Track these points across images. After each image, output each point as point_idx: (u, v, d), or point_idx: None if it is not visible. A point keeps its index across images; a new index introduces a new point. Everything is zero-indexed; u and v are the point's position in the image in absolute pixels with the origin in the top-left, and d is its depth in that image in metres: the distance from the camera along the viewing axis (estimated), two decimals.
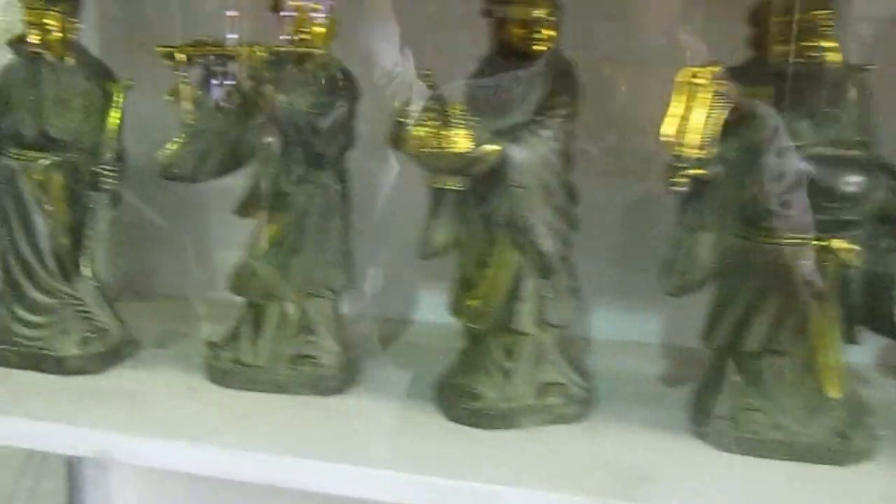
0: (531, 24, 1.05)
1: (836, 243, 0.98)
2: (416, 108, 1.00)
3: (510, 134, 1.04)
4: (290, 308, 1.16)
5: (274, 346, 1.16)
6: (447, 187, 1.04)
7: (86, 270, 1.15)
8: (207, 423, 1.06)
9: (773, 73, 0.99)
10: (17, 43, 1.17)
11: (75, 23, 1.14)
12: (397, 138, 1.02)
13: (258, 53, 1.07)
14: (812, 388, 1.03)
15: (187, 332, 1.34)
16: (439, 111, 1.00)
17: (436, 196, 1.08)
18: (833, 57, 0.98)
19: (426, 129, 0.99)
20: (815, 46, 0.97)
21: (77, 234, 1.19)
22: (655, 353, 1.37)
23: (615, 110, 1.28)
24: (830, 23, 0.98)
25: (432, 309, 1.45)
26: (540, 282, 1.08)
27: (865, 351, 1.20)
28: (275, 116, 1.09)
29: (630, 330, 1.38)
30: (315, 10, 1.09)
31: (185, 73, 1.09)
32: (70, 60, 1.15)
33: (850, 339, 1.03)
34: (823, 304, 1.01)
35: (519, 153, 1.03)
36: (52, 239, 1.18)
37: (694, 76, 0.99)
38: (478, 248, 1.09)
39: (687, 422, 1.11)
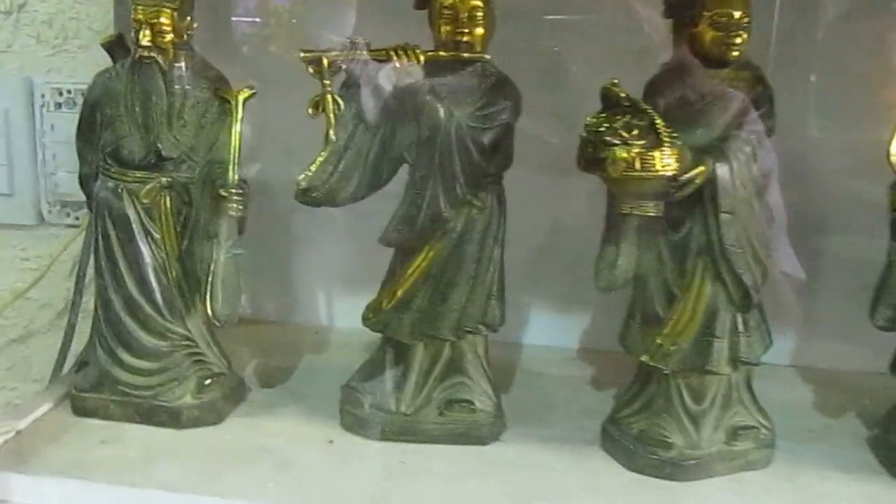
0: (731, 28, 0.92)
1: None
2: (619, 124, 0.87)
3: (716, 151, 0.92)
4: (442, 348, 1.02)
5: (422, 392, 1.03)
6: (647, 214, 0.91)
7: (205, 308, 0.99)
8: (373, 490, 0.92)
9: None
10: (116, 45, 1.01)
11: (192, 22, 0.98)
12: (593, 159, 0.89)
13: (419, 58, 0.92)
14: None
15: (285, 366, 1.21)
16: (646, 129, 0.87)
17: (620, 221, 0.96)
18: None
19: (634, 150, 0.86)
20: None
21: (186, 264, 1.03)
22: (785, 376, 1.28)
23: None
24: None
25: (539, 332, 1.35)
26: (734, 316, 0.96)
27: None
28: (436, 132, 0.94)
29: None
30: (477, 9, 0.95)
31: (330, 83, 0.94)
32: (183, 67, 0.98)
33: None
34: None
35: (728, 174, 0.91)
36: (160, 272, 1.02)
37: None
38: (665, 278, 0.97)
39: (879, 462, 1.01)
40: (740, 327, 0.97)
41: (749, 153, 0.93)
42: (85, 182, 1.04)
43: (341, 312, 1.40)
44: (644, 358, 0.99)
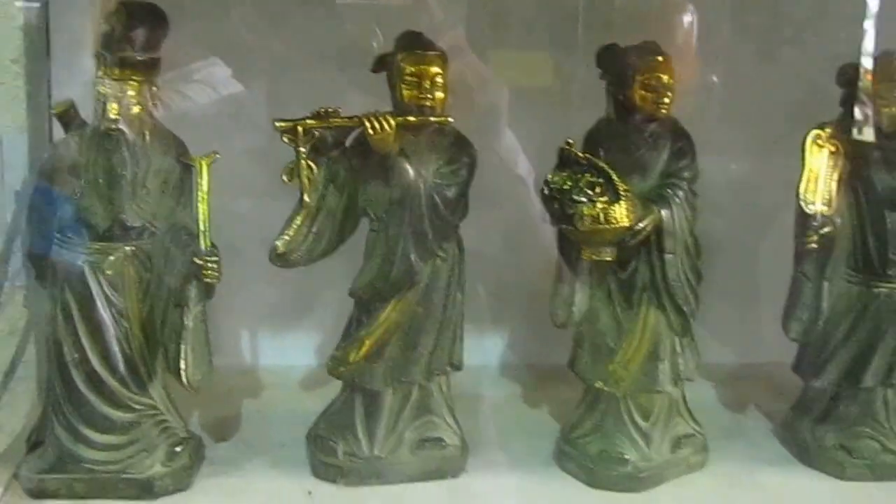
0: (660, 90, 1.05)
1: None
2: (582, 182, 0.97)
3: (660, 200, 1.04)
4: (411, 390, 1.08)
5: (393, 433, 1.08)
6: (605, 259, 1.01)
7: (177, 375, 0.99)
8: None
9: (881, 132, 1.07)
10: (70, 113, 0.98)
11: (157, 91, 0.97)
12: (561, 215, 0.98)
13: (391, 123, 0.97)
14: None
15: (228, 415, 1.21)
16: (604, 184, 0.98)
17: (577, 264, 1.06)
18: None
19: (598, 206, 0.96)
20: None
21: (148, 332, 1.02)
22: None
23: None
24: None
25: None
26: (673, 340, 1.09)
27: None
28: (406, 190, 1.00)
29: None
30: (438, 75, 1.01)
31: (304, 150, 0.97)
32: (147, 135, 0.97)
33: None
34: None
35: (670, 219, 1.03)
36: (124, 342, 1.00)
37: (817, 138, 1.05)
38: (614, 312, 1.08)
39: (792, 454, 1.18)
40: (678, 349, 1.10)
41: (682, 198, 1.06)
42: (36, 255, 0.99)
43: (264, 351, 1.41)
44: (598, 384, 1.09)
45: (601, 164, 0.97)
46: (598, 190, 0.96)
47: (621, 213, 0.96)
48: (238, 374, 1.36)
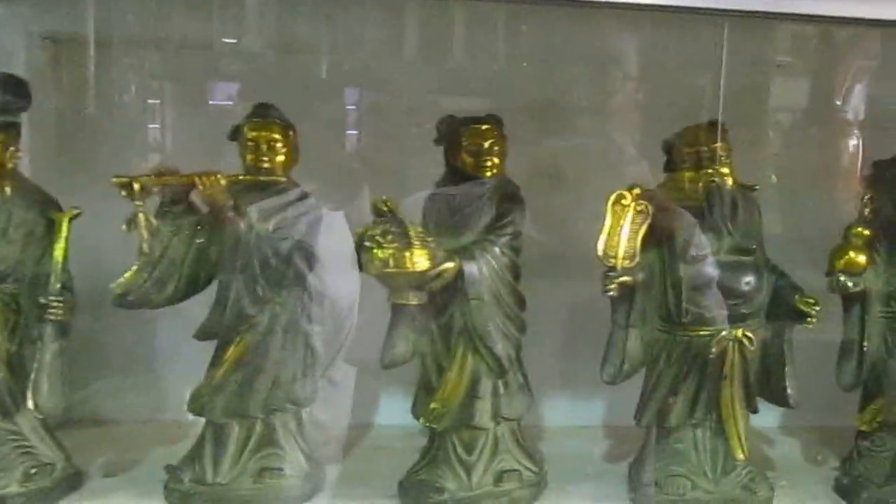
0: (482, 154, 1.17)
1: (738, 332, 1.18)
2: (377, 231, 1.07)
3: (465, 251, 1.15)
4: (255, 424, 1.18)
5: (237, 463, 1.18)
6: (410, 303, 1.12)
7: (29, 403, 1.10)
8: None
9: (684, 194, 1.18)
10: None
11: (16, 152, 1.11)
12: (361, 260, 1.09)
13: (220, 181, 1.09)
14: (723, 452, 1.22)
15: (135, 458, 1.30)
16: (400, 234, 1.08)
17: (396, 310, 1.16)
18: (730, 180, 1.18)
19: (388, 251, 1.06)
20: (717, 172, 1.17)
21: (15, 366, 1.14)
22: (598, 435, 1.49)
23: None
24: (726, 153, 1.18)
25: (390, 412, 1.47)
26: (495, 381, 1.19)
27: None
28: (238, 242, 1.12)
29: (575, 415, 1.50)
30: (274, 141, 1.14)
31: (141, 203, 1.09)
32: (8, 190, 1.10)
33: (752, 408, 1.23)
34: (730, 383, 1.20)
35: (473, 269, 1.14)
36: None
37: (621, 198, 1.16)
38: (436, 354, 1.19)
39: (625, 492, 1.26)
40: (501, 390, 1.20)
41: (497, 252, 1.16)
42: None
43: None
44: (421, 420, 1.19)
45: (398, 215, 1.08)
46: (389, 237, 1.06)
47: (411, 259, 1.06)
48: (175, 427, 1.37)
